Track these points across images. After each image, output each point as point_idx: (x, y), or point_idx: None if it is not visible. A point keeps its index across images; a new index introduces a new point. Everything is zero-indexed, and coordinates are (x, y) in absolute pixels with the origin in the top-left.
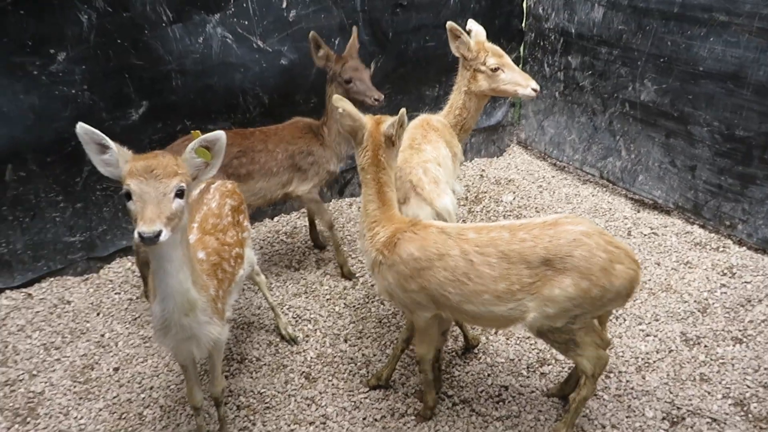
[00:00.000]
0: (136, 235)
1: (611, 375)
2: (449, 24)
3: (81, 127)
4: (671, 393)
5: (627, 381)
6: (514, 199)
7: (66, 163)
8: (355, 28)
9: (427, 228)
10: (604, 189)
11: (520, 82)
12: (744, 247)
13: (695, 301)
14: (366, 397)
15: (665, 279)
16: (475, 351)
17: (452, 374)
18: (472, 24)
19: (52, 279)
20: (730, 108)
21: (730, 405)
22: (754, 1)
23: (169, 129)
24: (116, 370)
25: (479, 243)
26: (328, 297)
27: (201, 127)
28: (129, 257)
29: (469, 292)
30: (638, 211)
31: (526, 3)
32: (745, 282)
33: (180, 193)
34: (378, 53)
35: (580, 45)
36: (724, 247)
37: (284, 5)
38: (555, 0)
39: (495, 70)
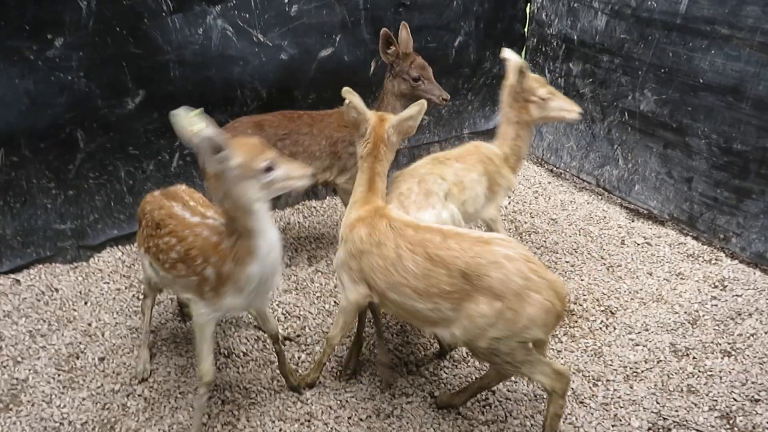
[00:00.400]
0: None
1: (599, 383)
2: (505, 51)
3: (205, 134)
4: (658, 403)
5: (614, 390)
6: (509, 203)
7: (60, 150)
8: (404, 23)
9: (382, 218)
10: (600, 197)
11: (566, 108)
12: (736, 261)
13: (686, 313)
14: (352, 396)
15: (657, 289)
16: (464, 354)
17: (439, 377)
18: (508, 54)
19: (40, 266)
20: (728, 121)
21: (716, 417)
22: (757, 15)
23: (164, 119)
24: (101, 359)
25: (412, 241)
26: (318, 294)
27: None
28: (119, 246)
29: (393, 282)
30: (633, 221)
31: (530, 8)
32: (736, 295)
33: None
34: (378, 52)
35: (581, 52)
36: (716, 259)
37: (286, 0)
38: (558, 6)
39: (545, 99)
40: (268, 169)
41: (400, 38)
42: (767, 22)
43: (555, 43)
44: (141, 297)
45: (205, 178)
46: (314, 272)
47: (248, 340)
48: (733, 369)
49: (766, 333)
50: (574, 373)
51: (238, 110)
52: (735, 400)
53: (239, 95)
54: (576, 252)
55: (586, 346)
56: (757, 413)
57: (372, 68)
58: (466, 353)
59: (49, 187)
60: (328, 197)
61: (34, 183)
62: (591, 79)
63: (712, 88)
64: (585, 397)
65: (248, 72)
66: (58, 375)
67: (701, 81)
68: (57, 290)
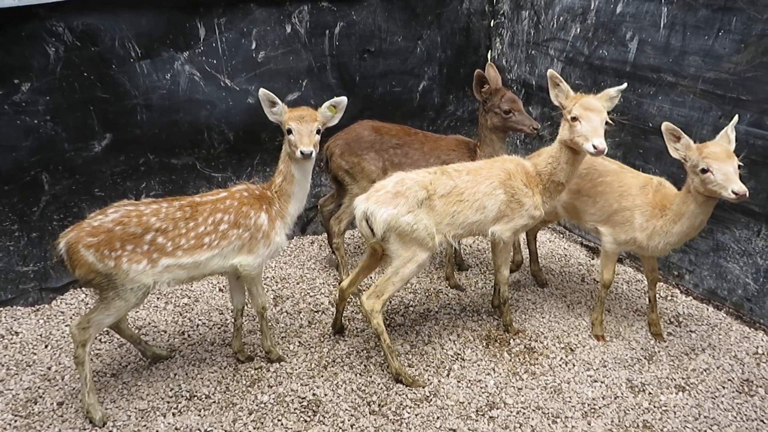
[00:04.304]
0: (299, 153)
1: (558, 420)
2: (550, 72)
3: (262, 91)
4: None
5: (572, 427)
6: (474, 241)
7: (24, 192)
8: (489, 63)
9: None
10: (561, 235)
11: (587, 135)
12: (690, 297)
13: (642, 349)
14: None
15: (615, 326)
16: (425, 393)
17: (401, 416)
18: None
19: (1, 309)
20: (677, 163)
21: None
22: (698, 64)
23: (131, 162)
24: (60, 404)
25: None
26: (283, 335)
27: (164, 160)
28: (83, 288)
29: None
30: (592, 258)
31: (490, 54)
32: (690, 331)
33: (318, 131)
34: (345, 96)
35: (540, 96)
36: (672, 296)
37: (253, 46)
38: (517, 53)
39: (574, 120)
40: (289, 131)
41: (488, 76)
42: (707, 71)
43: (515, 88)
44: (80, 346)
45: None
46: (279, 312)
47: (211, 383)
48: (687, 404)
49: (718, 368)
50: (533, 410)
51: (206, 152)
52: None
53: (206, 138)
54: (538, 289)
55: (546, 384)
56: None
57: None
58: (428, 392)
59: (12, 229)
60: (295, 237)
61: None
62: (549, 122)
63: (661, 132)
64: None
65: (215, 115)
66: (15, 421)
67: (650, 125)
68: (17, 333)
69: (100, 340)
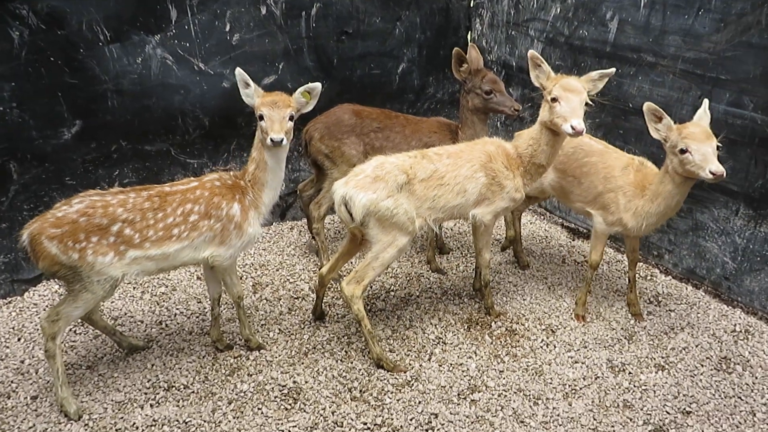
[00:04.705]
0: (269, 140)
1: (539, 402)
2: (531, 52)
3: (238, 71)
4: (595, 420)
5: (554, 408)
6: (455, 224)
7: None
8: (471, 44)
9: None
10: (542, 217)
11: (566, 116)
12: (669, 277)
13: (622, 329)
14: (294, 426)
15: (595, 306)
16: (407, 378)
17: (383, 402)
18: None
19: None
20: (657, 143)
21: (650, 431)
22: (677, 44)
23: (103, 149)
24: (34, 398)
25: None
26: (263, 323)
27: (138, 147)
28: (56, 279)
29: None
30: (573, 239)
31: (470, 35)
32: (670, 310)
33: (291, 118)
34: (323, 79)
35: (520, 78)
36: (651, 276)
37: (227, 28)
38: (497, 34)
39: (554, 100)
40: (261, 117)
41: (469, 57)
42: (687, 51)
43: (495, 69)
44: (50, 339)
45: None
46: (259, 300)
47: (189, 372)
48: (666, 382)
49: (696, 346)
50: (515, 392)
51: (180, 138)
52: (668, 413)
53: (181, 123)
54: (519, 272)
55: (527, 365)
56: (688, 425)
57: None
58: (410, 377)
59: None
60: (274, 223)
61: None
62: (530, 104)
63: (641, 112)
64: (525, 417)
65: (189, 100)
66: None
67: (630, 106)
68: None
69: (74, 331)
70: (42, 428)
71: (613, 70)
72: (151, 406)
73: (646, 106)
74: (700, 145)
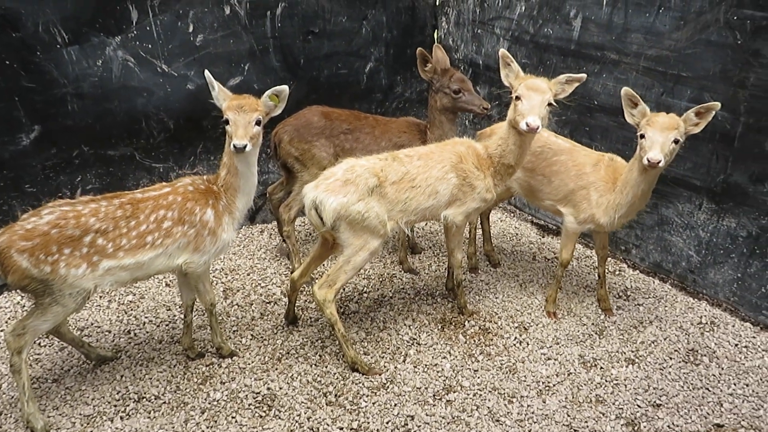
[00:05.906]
0: (232, 146)
1: (514, 400)
2: (501, 51)
3: (207, 73)
4: (569, 416)
5: (528, 405)
6: (426, 224)
7: None
8: (436, 45)
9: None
10: (512, 215)
11: (524, 113)
12: (637, 271)
13: (593, 324)
14: None
15: (566, 303)
16: (382, 380)
17: (359, 405)
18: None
19: None
20: (621, 140)
21: (622, 426)
22: (639, 42)
23: (64, 154)
24: None
25: None
26: (235, 329)
27: (100, 152)
28: (18, 291)
29: None
30: (543, 236)
31: (437, 34)
32: (638, 304)
33: (258, 122)
34: (289, 79)
35: (487, 76)
36: (620, 270)
37: (191, 29)
38: (464, 32)
39: (517, 99)
40: (227, 122)
41: (434, 57)
42: (649, 48)
43: (462, 68)
44: (15, 354)
45: None
46: (230, 305)
47: (160, 382)
48: (637, 376)
49: (665, 339)
50: (490, 391)
51: (144, 142)
52: (639, 406)
53: (144, 127)
54: (491, 270)
55: (501, 364)
56: (659, 418)
57: None
58: (386, 379)
59: None
60: (244, 227)
61: None
62: (497, 102)
63: (606, 109)
64: (500, 415)
65: (153, 103)
66: None
67: (596, 103)
68: None
69: (39, 344)
70: None
71: (584, 76)
72: (122, 418)
73: (623, 91)
74: (654, 132)
